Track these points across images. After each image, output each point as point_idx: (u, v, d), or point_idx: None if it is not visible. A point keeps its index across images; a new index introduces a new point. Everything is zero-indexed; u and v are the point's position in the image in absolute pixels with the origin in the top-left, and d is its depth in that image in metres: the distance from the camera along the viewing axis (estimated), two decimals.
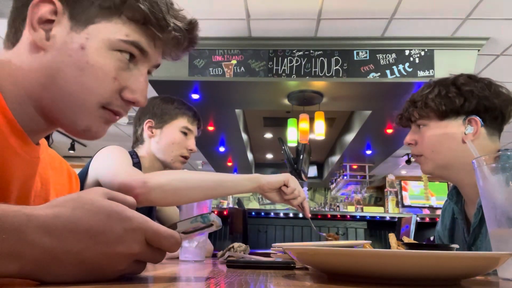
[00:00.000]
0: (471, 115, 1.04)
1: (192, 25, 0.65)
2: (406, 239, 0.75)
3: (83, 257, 0.40)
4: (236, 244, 1.15)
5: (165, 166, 1.45)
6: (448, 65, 3.50)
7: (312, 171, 8.34)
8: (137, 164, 1.40)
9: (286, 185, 1.13)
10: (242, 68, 3.62)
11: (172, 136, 1.43)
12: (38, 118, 0.61)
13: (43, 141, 0.69)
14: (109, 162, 1.14)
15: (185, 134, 1.46)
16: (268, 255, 1.06)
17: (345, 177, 6.69)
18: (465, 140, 1.02)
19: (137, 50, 0.60)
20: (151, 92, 3.69)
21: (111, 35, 0.57)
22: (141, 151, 1.46)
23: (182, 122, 1.46)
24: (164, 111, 1.44)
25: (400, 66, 3.54)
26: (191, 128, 1.47)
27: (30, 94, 0.58)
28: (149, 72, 0.65)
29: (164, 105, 1.46)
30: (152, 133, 1.45)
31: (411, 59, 3.54)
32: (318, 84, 3.70)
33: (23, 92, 0.58)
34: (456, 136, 1.05)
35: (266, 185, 1.11)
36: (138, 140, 1.48)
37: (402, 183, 8.61)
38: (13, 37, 0.58)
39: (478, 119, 1.03)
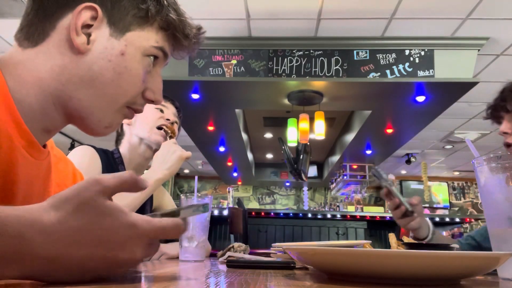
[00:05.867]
0: None
1: (200, 31, 0.70)
2: (406, 239, 0.75)
3: (85, 263, 0.40)
4: (236, 244, 1.15)
5: (147, 145, 1.41)
6: (448, 65, 3.50)
7: (312, 171, 8.33)
8: (118, 158, 1.40)
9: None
10: (242, 68, 3.62)
11: (144, 111, 1.43)
12: (56, 117, 0.62)
13: (50, 141, 0.69)
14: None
15: (159, 110, 1.44)
16: (268, 255, 1.06)
17: (345, 177, 6.68)
18: (465, 139, 1.02)
19: (162, 54, 0.66)
20: None
21: (145, 42, 0.63)
22: (123, 145, 1.44)
23: None
24: None
25: (400, 66, 3.54)
26: (162, 103, 1.46)
27: (57, 93, 0.60)
28: None
29: None
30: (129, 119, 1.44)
31: (411, 59, 3.54)
32: (318, 84, 3.70)
33: (47, 91, 0.59)
34: None
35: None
36: (119, 135, 1.47)
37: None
38: (37, 37, 0.59)
39: None
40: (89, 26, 0.59)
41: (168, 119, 1.43)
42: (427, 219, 1.20)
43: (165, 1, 0.63)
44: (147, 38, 0.63)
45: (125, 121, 1.45)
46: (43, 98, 0.59)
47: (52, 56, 0.59)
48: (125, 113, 0.66)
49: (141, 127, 1.41)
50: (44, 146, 0.66)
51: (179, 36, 0.66)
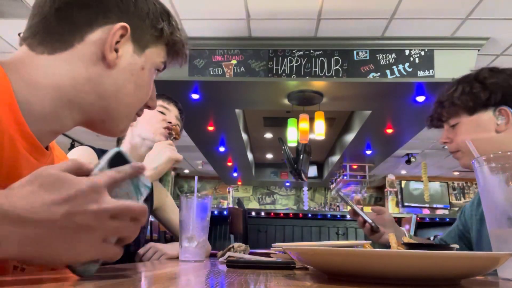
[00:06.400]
0: (500, 106, 1.05)
1: (187, 46, 0.78)
2: (406, 239, 0.75)
3: (67, 230, 0.43)
4: (236, 244, 1.15)
5: (148, 146, 1.41)
6: (448, 65, 3.50)
7: (312, 171, 8.34)
8: None
9: None
10: (242, 68, 3.62)
11: (147, 113, 1.41)
12: (68, 121, 0.64)
13: (52, 142, 0.70)
14: None
15: (161, 113, 1.45)
16: (268, 255, 1.06)
17: (345, 177, 6.68)
18: (466, 140, 1.02)
19: (163, 67, 0.74)
20: None
21: (157, 58, 0.71)
22: (124, 146, 1.46)
23: None
24: None
25: (400, 66, 3.54)
26: (165, 106, 1.47)
27: (78, 101, 0.63)
28: None
29: None
30: None
31: (411, 59, 3.54)
32: (318, 84, 3.70)
33: (65, 98, 0.62)
34: (490, 127, 1.06)
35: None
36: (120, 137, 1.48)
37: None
38: (59, 45, 0.62)
39: (508, 109, 1.04)
40: (116, 42, 0.64)
41: (170, 122, 1.44)
42: (404, 229, 1.32)
43: (173, 22, 0.72)
44: (159, 54, 0.70)
45: None
46: (59, 103, 0.62)
47: (75, 66, 0.62)
48: (134, 117, 0.73)
49: (145, 127, 1.42)
50: (46, 147, 0.66)
51: (180, 53, 0.74)
